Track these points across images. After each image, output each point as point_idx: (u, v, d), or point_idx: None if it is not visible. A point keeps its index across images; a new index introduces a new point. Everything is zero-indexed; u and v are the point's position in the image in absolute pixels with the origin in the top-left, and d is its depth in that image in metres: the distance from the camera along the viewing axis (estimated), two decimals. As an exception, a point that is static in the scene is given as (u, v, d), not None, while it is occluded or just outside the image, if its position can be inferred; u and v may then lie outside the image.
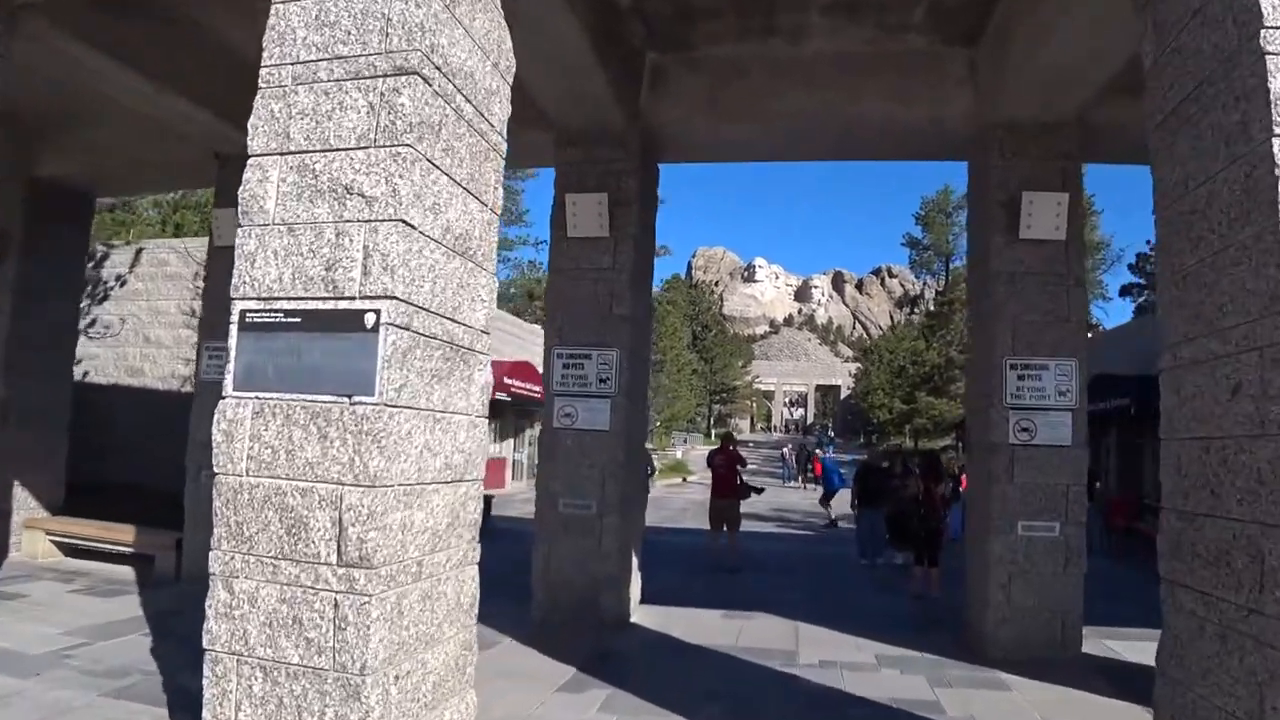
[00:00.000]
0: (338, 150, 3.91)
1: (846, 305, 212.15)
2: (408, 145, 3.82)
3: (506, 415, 28.78)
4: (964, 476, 16.55)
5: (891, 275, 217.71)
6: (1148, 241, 43.22)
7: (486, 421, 4.65)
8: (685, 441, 52.97)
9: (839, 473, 22.22)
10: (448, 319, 4.16)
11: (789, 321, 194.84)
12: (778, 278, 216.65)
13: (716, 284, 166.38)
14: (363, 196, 3.82)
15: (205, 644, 3.88)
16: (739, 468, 12.58)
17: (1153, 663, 3.91)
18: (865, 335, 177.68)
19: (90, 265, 18.91)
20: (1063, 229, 7.74)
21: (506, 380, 24.99)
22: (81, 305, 18.96)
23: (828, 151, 9.73)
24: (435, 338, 4.04)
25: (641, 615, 8.72)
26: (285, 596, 3.75)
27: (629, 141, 8.47)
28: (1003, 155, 8.01)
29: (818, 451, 27.69)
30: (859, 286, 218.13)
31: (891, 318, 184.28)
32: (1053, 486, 7.51)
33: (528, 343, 30.26)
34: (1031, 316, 7.74)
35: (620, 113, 8.24)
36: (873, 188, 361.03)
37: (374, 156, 3.84)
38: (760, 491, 13.61)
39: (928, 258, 62.53)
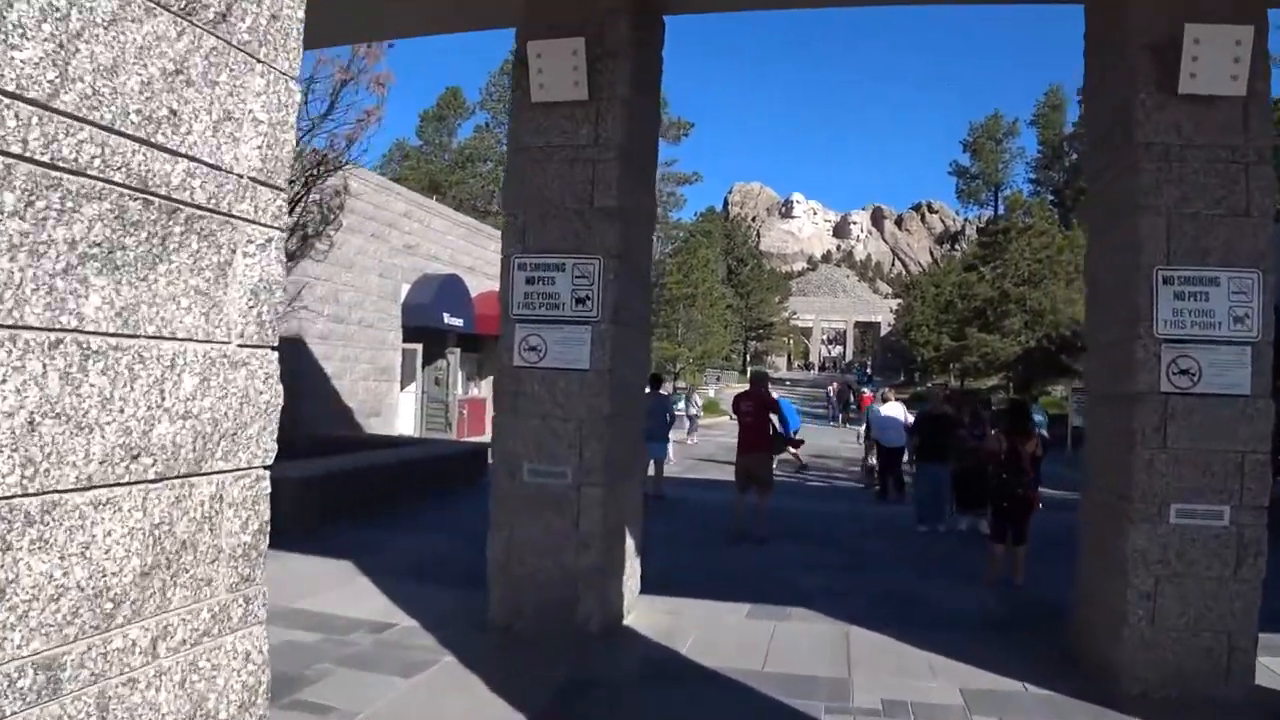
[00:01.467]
0: None
1: (886, 242, 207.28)
2: None
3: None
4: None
5: (932, 211, 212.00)
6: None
7: (271, 358, 2.46)
8: (719, 380, 50.85)
9: (796, 412, 19.33)
10: (130, 137, 1.93)
11: (827, 258, 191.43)
12: (816, 214, 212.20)
13: (754, 220, 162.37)
14: None
15: None
16: (771, 415, 10.35)
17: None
18: (905, 272, 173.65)
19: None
20: (1243, 79, 5.29)
21: (518, 314, 22.92)
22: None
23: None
24: (80, 172, 1.82)
25: (641, 613, 6.61)
26: None
27: (619, -28, 6.10)
28: (1153, -22, 5.56)
29: (865, 390, 25.15)
30: (899, 223, 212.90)
31: (932, 254, 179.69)
32: (1222, 454, 5.19)
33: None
34: (1194, 207, 5.33)
35: (607, -71, 5.89)
36: (916, 114, 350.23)
37: None
38: (798, 444, 11.38)
39: (975, 187, 59.24)
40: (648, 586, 7.10)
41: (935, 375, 58.31)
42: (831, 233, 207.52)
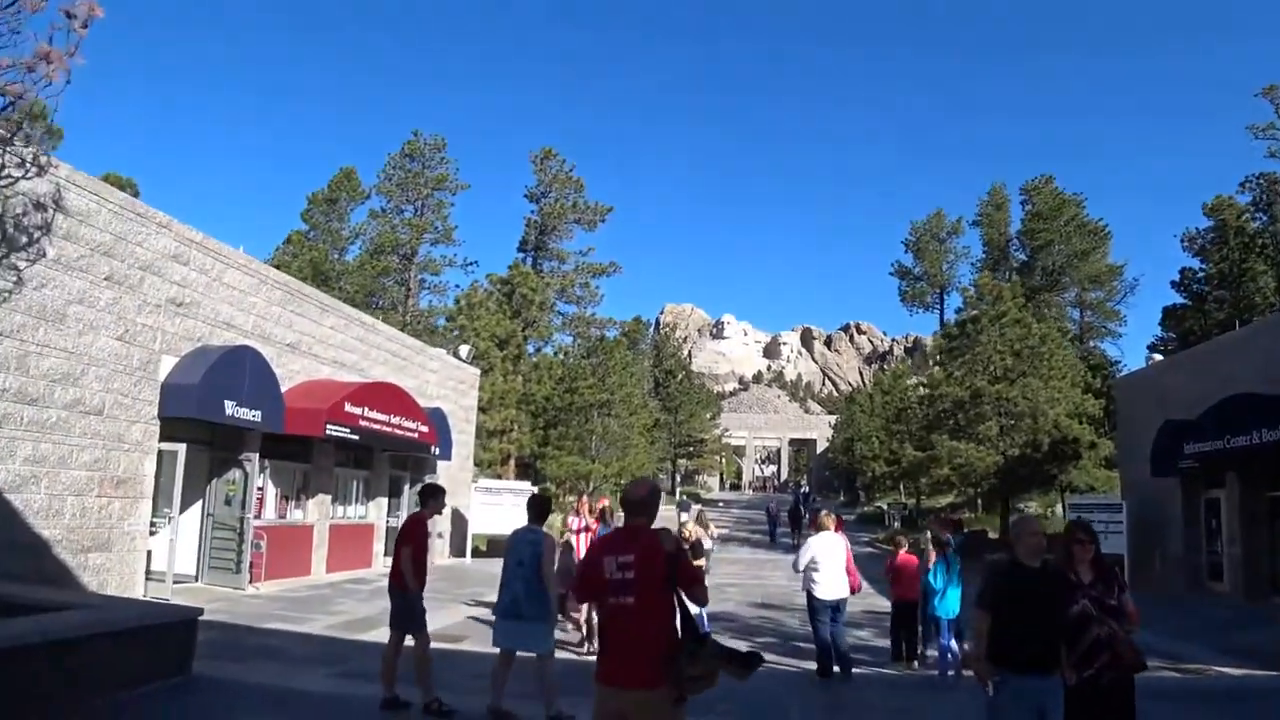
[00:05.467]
0: None
1: (815, 362, 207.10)
2: None
3: (378, 464, 20.46)
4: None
5: (860, 331, 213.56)
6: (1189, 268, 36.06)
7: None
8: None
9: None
10: None
11: (758, 379, 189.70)
12: (746, 334, 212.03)
13: (685, 340, 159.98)
14: None
15: None
16: (679, 581, 4.30)
17: None
18: (835, 392, 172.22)
19: None
20: None
21: (350, 409, 16.74)
22: None
23: None
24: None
25: None
26: None
27: None
28: None
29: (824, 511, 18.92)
30: (828, 343, 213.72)
31: (861, 374, 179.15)
32: None
33: (411, 367, 22.11)
34: None
35: None
36: (846, 236, 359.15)
37: None
38: (754, 664, 5.02)
39: (920, 289, 55.65)
40: None
41: (880, 493, 52.92)
42: (762, 353, 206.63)
